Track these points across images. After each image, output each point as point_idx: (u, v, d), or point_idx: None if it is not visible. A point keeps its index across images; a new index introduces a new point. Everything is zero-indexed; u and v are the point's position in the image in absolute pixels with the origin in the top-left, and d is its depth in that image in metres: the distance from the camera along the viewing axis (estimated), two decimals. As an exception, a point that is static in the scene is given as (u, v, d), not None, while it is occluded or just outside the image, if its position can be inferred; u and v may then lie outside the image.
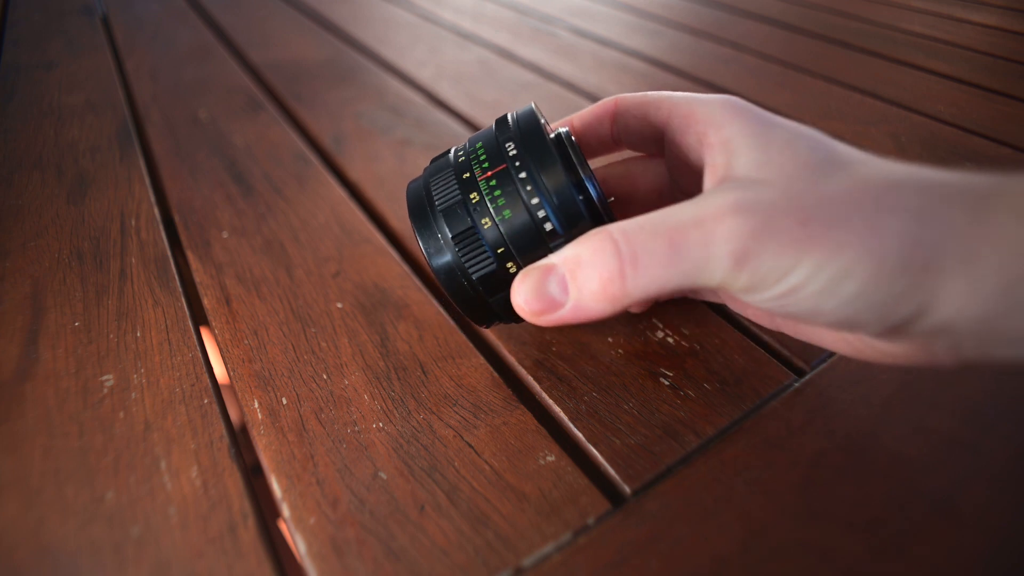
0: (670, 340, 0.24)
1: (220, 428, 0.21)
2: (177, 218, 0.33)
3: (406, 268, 0.29)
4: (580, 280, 0.16)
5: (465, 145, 0.20)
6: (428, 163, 0.37)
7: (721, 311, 0.25)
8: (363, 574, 0.17)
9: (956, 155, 0.38)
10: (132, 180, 0.36)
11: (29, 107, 0.46)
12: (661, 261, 0.15)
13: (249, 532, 0.18)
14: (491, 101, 0.46)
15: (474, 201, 0.18)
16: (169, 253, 0.30)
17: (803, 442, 0.20)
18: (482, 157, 0.19)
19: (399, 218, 0.33)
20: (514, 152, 0.18)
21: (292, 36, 0.61)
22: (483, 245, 0.18)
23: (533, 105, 0.20)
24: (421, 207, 0.20)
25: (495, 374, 0.23)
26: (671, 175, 0.22)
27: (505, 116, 0.20)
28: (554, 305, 0.17)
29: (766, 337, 0.24)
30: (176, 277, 0.28)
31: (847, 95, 0.47)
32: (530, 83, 0.49)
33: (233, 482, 0.19)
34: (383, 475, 0.19)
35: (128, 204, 0.34)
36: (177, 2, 0.73)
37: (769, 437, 0.20)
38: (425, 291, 0.27)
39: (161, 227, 0.32)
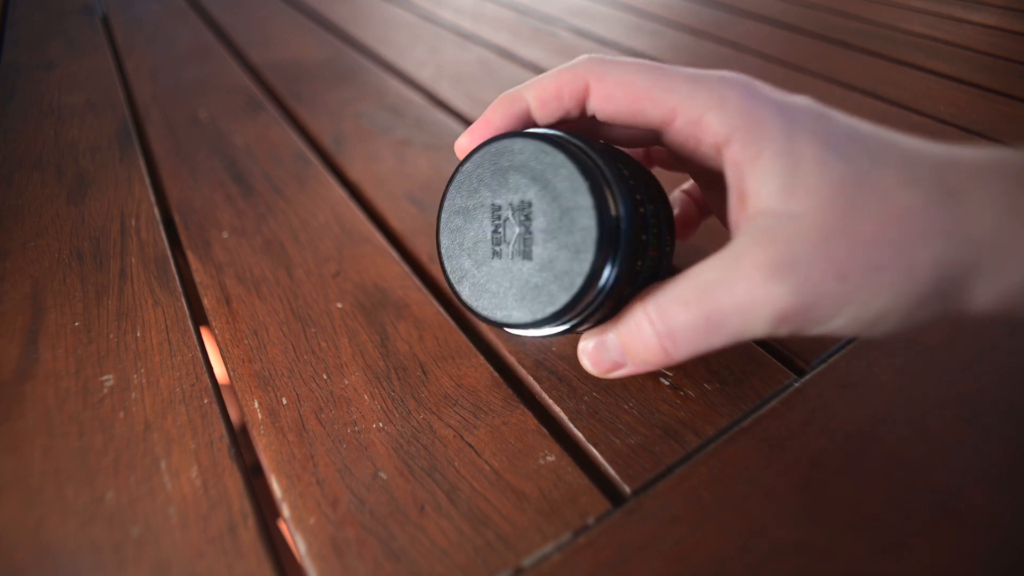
0: (670, 340, 0.24)
1: (220, 428, 0.21)
2: (177, 218, 0.33)
3: (406, 268, 0.29)
4: (632, 352, 0.18)
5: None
6: (427, 163, 0.38)
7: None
8: (363, 574, 0.17)
9: (956, 155, 0.38)
10: (132, 180, 0.36)
11: (29, 107, 0.46)
12: (700, 334, 0.16)
13: (249, 532, 0.18)
14: (491, 101, 0.46)
15: None
16: (169, 253, 0.30)
17: (803, 442, 0.20)
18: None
19: (399, 218, 0.33)
20: None
21: (292, 36, 0.61)
22: None
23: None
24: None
25: (495, 374, 0.23)
26: (673, 155, 0.20)
27: None
28: (617, 366, 0.19)
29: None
30: (176, 277, 0.28)
31: (847, 95, 0.47)
32: (530, 83, 0.49)
33: (233, 482, 0.19)
34: (383, 475, 0.19)
35: (128, 204, 0.34)
36: (177, 2, 0.73)
37: (769, 437, 0.20)
38: (425, 291, 0.27)
39: (161, 227, 0.32)
